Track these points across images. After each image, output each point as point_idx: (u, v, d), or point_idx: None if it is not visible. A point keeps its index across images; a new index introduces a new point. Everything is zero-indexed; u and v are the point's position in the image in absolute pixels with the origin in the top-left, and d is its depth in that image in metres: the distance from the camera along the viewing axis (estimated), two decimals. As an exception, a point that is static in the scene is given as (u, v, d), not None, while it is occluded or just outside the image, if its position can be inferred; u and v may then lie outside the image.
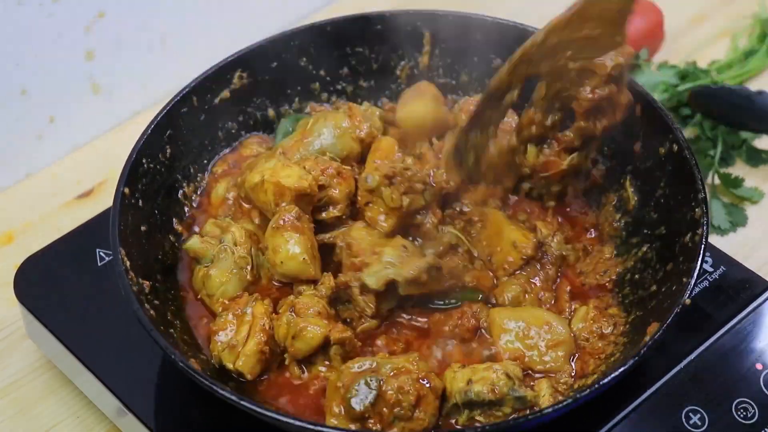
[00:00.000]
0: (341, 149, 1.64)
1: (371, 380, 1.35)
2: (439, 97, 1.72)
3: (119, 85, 2.06)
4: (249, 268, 1.52)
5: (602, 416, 1.44)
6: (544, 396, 1.40)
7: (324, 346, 1.43)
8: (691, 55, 2.13)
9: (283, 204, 1.52)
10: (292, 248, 1.49)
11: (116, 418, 1.55)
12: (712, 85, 1.96)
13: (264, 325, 1.44)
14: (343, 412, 1.35)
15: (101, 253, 1.65)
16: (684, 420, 1.45)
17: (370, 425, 1.34)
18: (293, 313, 1.44)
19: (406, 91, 1.75)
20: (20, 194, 1.98)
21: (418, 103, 1.69)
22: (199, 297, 1.53)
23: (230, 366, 1.43)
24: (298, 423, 1.27)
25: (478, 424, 1.36)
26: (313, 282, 1.50)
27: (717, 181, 1.91)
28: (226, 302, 1.50)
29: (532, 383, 1.42)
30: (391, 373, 1.36)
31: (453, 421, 1.38)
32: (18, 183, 2.00)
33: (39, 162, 2.02)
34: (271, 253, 1.50)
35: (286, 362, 1.45)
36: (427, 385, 1.36)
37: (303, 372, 1.45)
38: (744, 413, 1.46)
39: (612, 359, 1.44)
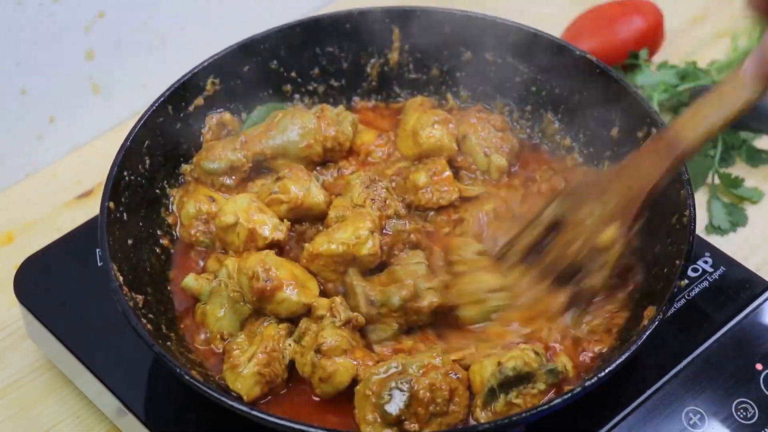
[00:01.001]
0: (302, 150, 1.66)
1: (402, 383, 1.34)
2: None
3: (119, 85, 2.06)
4: (244, 301, 1.48)
5: (602, 416, 1.44)
6: (567, 367, 1.41)
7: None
8: (691, 55, 2.13)
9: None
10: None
11: (116, 418, 1.55)
12: (712, 85, 1.96)
13: (267, 347, 1.42)
14: (378, 420, 1.34)
15: (101, 254, 1.65)
16: (684, 420, 1.45)
17: (408, 427, 1.34)
18: (319, 354, 1.40)
19: (416, 101, 1.75)
20: (20, 194, 1.98)
21: (442, 130, 1.69)
22: (207, 336, 1.51)
23: (231, 387, 1.42)
24: (312, 429, 1.26)
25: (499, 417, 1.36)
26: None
27: (717, 181, 1.91)
28: (234, 333, 1.48)
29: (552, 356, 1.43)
30: (420, 372, 1.35)
31: (490, 408, 1.38)
32: (18, 183, 2.00)
33: (39, 162, 2.02)
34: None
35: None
36: (456, 377, 1.37)
37: None
38: (744, 413, 1.46)
39: (609, 346, 1.45)
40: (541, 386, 1.38)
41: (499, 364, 1.37)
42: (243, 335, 1.46)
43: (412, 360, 1.37)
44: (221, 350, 1.48)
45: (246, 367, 1.41)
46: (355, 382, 1.39)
